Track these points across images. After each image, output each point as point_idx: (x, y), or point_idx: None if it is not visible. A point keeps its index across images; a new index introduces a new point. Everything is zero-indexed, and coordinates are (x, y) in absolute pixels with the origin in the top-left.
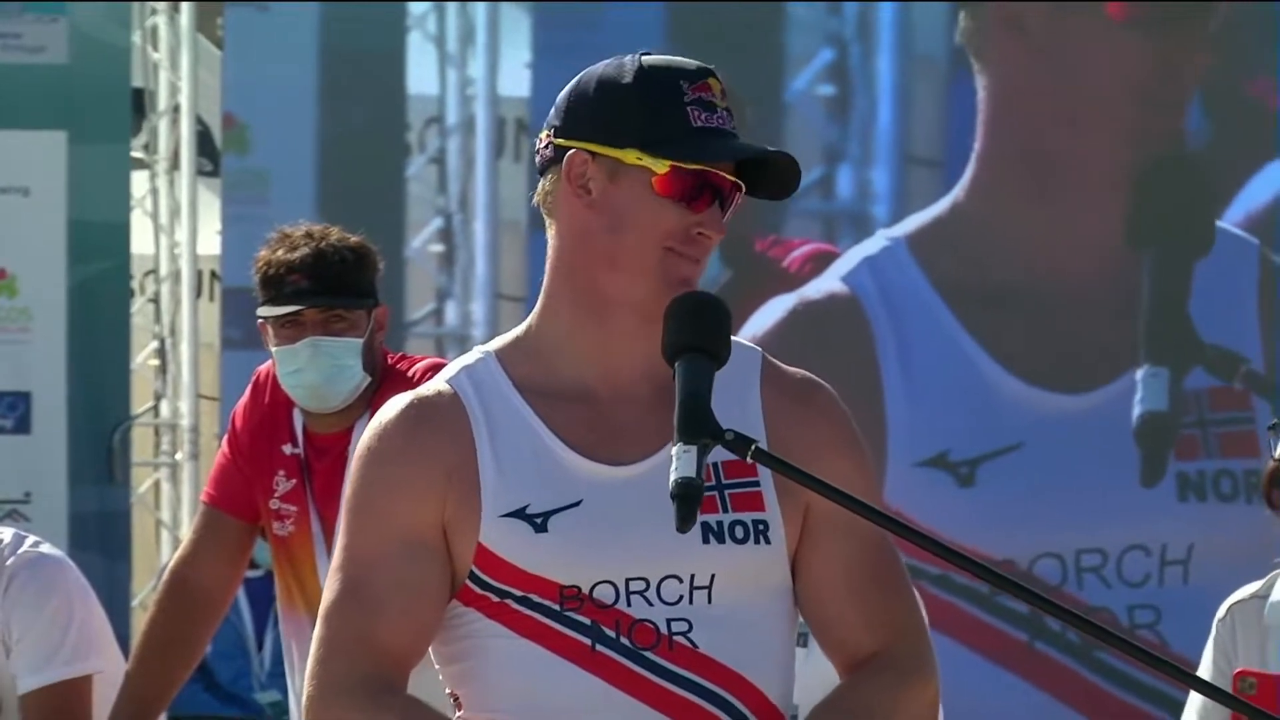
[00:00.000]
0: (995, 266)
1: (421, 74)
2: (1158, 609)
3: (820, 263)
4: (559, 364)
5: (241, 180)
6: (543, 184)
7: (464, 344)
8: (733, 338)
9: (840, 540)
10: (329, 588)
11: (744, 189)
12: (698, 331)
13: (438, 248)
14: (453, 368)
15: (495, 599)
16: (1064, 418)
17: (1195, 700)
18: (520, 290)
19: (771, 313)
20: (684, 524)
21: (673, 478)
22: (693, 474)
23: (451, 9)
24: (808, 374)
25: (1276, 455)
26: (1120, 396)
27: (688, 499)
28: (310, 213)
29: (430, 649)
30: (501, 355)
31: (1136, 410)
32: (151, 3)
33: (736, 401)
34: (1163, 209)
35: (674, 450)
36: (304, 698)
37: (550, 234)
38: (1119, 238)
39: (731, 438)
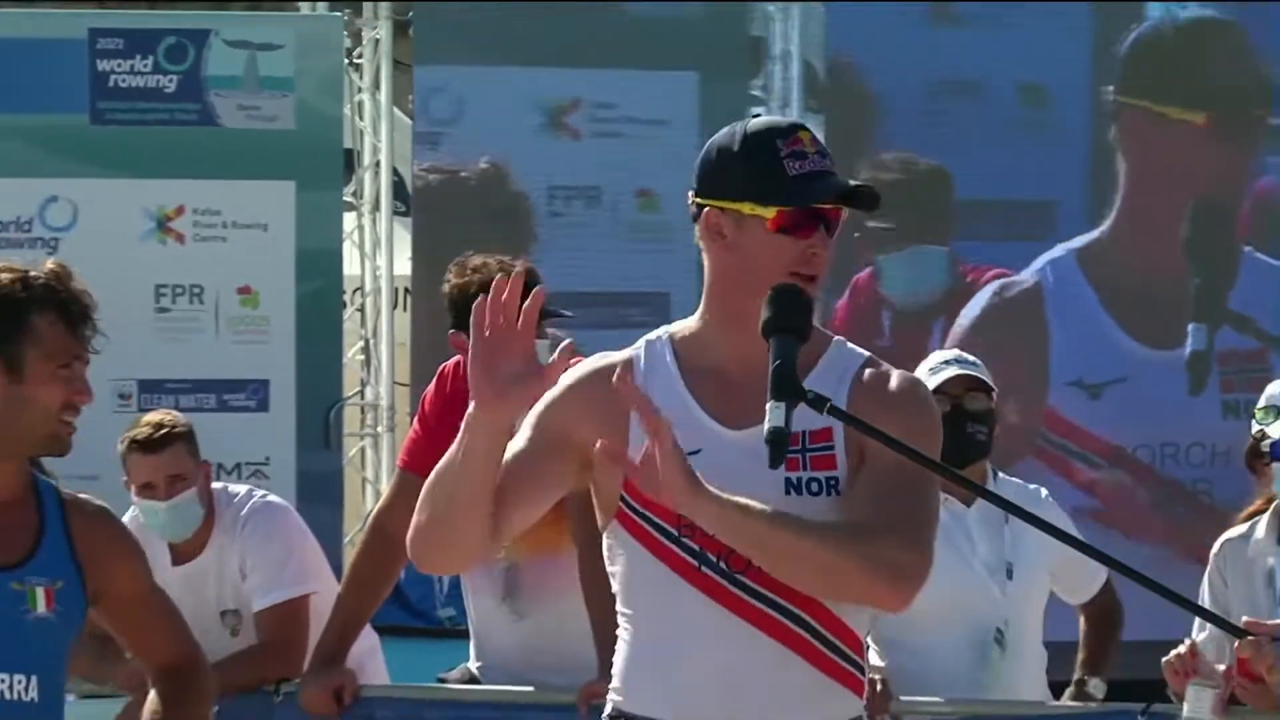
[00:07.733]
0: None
1: None
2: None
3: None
4: (710, 349)
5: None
6: (696, 229)
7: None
8: (850, 344)
9: (866, 468)
10: None
11: (845, 210)
12: (786, 315)
13: None
14: (642, 340)
15: (637, 519)
16: (1155, 362)
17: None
18: None
19: (985, 293)
20: (775, 463)
21: (766, 426)
22: (781, 424)
23: None
24: (908, 376)
25: (1254, 432)
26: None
27: (778, 443)
28: None
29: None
30: (674, 336)
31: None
32: (358, 81)
33: (830, 387)
34: None
35: (768, 406)
36: None
37: (705, 262)
38: None
39: (812, 397)
